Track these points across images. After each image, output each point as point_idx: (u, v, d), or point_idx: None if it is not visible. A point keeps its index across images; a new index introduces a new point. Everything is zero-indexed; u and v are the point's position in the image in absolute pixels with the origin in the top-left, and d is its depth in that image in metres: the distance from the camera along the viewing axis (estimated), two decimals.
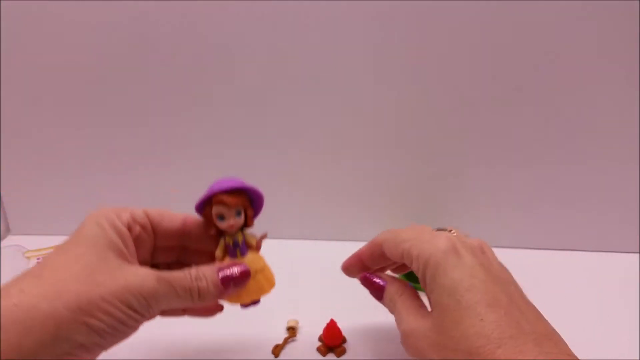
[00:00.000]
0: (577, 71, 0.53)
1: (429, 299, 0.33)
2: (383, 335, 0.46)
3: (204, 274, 0.33)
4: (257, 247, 0.37)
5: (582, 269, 0.56)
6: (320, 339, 0.46)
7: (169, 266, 0.38)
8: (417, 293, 0.37)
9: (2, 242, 0.63)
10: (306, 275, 0.55)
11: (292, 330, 0.46)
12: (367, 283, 0.39)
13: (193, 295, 0.32)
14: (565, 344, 0.30)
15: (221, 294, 0.33)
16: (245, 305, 0.37)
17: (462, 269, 0.31)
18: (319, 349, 0.45)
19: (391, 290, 0.37)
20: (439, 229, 0.42)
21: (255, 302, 0.37)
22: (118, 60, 0.56)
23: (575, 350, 0.43)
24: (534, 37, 0.52)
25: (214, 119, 0.58)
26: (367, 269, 0.41)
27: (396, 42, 0.53)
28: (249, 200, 0.36)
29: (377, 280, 0.38)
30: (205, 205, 0.35)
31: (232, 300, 0.36)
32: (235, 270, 0.34)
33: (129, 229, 0.34)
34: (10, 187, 0.63)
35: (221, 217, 0.35)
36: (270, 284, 0.37)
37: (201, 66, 0.56)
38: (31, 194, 0.63)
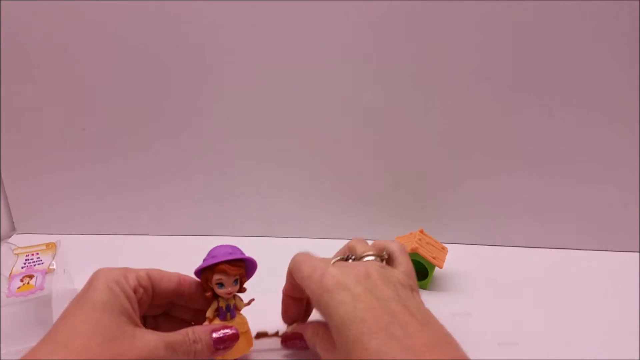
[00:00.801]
0: (577, 70, 0.53)
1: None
2: None
3: (200, 336, 0.37)
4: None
5: (582, 268, 0.56)
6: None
7: (155, 318, 0.41)
8: (329, 331, 0.37)
9: (8, 241, 0.64)
10: None
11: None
12: (289, 344, 0.42)
13: (190, 356, 0.36)
14: (452, 348, 0.32)
15: (212, 354, 0.38)
16: None
17: (346, 305, 0.32)
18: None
19: (308, 334, 0.39)
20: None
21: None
22: (118, 61, 0.57)
23: (575, 350, 0.44)
24: (533, 37, 0.52)
25: (215, 119, 0.59)
26: (299, 304, 0.43)
27: (393, 42, 0.54)
28: (245, 269, 0.40)
29: (295, 332, 0.41)
30: (204, 271, 0.39)
31: (218, 357, 0.40)
32: (227, 332, 0.38)
33: (135, 291, 0.36)
34: (16, 186, 0.64)
35: (221, 284, 0.39)
36: (249, 345, 0.42)
37: (201, 64, 0.56)
38: (36, 194, 0.64)
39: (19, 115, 0.60)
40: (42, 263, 0.48)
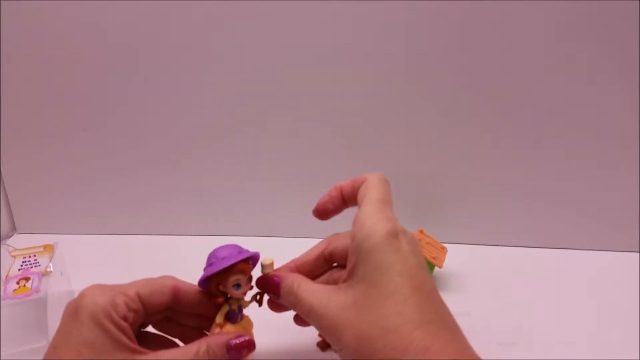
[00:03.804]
0: (578, 69, 0.53)
1: (353, 272, 0.33)
2: None
3: (214, 351, 0.33)
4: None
5: (582, 269, 0.56)
6: (320, 334, 0.46)
7: (158, 322, 0.38)
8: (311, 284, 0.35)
9: (8, 241, 0.64)
10: None
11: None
12: (262, 281, 0.37)
13: None
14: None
15: None
16: None
17: (397, 253, 0.32)
18: (318, 345, 0.45)
19: (287, 283, 0.36)
20: None
21: None
22: (118, 61, 0.57)
23: (575, 349, 0.44)
24: (532, 35, 0.52)
25: (215, 118, 0.59)
26: (342, 207, 0.40)
27: (394, 43, 0.54)
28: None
29: (272, 276, 0.37)
30: (214, 276, 0.36)
31: None
32: (244, 340, 0.35)
33: (125, 319, 0.33)
34: (16, 186, 0.64)
35: (238, 285, 0.36)
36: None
37: (204, 63, 0.56)
38: (36, 194, 0.64)
39: (19, 115, 0.60)
40: (39, 265, 0.47)
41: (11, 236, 0.65)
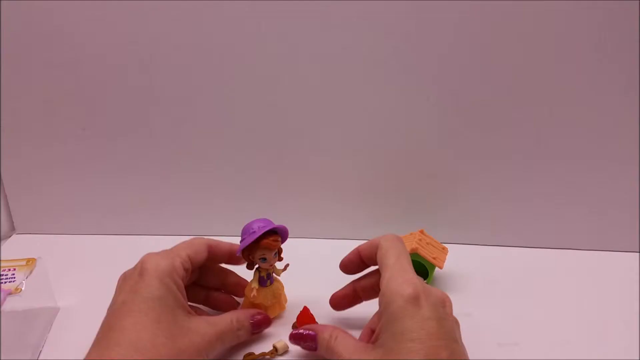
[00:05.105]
0: (577, 69, 0.53)
1: (379, 336, 0.35)
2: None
3: (242, 324, 0.41)
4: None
5: (582, 269, 0.56)
6: (294, 327, 0.46)
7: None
8: (350, 334, 0.39)
9: (7, 241, 0.64)
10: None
11: (274, 350, 0.44)
12: (298, 337, 0.41)
13: (234, 342, 0.41)
14: None
15: (249, 337, 0.43)
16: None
17: (416, 320, 0.33)
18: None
19: (324, 336, 0.39)
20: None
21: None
22: (118, 61, 0.57)
23: (575, 350, 0.44)
24: (531, 35, 0.52)
25: (215, 119, 0.59)
26: (363, 267, 0.44)
27: (394, 44, 0.54)
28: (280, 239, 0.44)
29: (307, 332, 0.41)
30: (245, 249, 0.42)
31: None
32: (260, 317, 0.43)
33: (182, 279, 0.39)
34: (15, 186, 0.64)
35: (264, 259, 0.43)
36: (282, 308, 0.48)
37: (202, 63, 0.56)
38: (36, 193, 0.64)
39: (19, 115, 0.60)
40: (14, 281, 0.47)
41: (10, 236, 0.65)
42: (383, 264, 0.38)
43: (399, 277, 0.36)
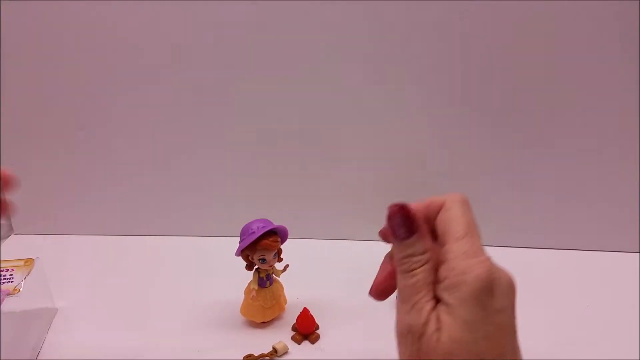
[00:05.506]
0: (579, 70, 0.53)
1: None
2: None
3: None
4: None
5: (582, 269, 0.56)
6: (293, 328, 0.46)
7: None
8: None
9: (6, 242, 0.64)
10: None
11: (273, 351, 0.44)
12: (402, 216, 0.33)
13: None
14: None
15: None
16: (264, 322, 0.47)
17: (484, 313, 0.30)
18: (293, 338, 0.45)
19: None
20: None
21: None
22: (117, 61, 0.57)
23: (575, 349, 0.44)
24: (534, 34, 0.52)
25: (215, 120, 0.59)
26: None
27: (393, 43, 0.54)
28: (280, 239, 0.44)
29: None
30: (245, 250, 0.43)
31: (257, 318, 0.46)
32: None
33: None
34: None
35: (263, 260, 0.43)
36: (282, 309, 0.48)
37: (206, 65, 0.56)
38: (34, 194, 0.63)
39: (18, 115, 0.59)
40: (12, 282, 0.46)
41: (9, 236, 0.65)
42: (449, 231, 0.32)
43: (472, 256, 0.31)
